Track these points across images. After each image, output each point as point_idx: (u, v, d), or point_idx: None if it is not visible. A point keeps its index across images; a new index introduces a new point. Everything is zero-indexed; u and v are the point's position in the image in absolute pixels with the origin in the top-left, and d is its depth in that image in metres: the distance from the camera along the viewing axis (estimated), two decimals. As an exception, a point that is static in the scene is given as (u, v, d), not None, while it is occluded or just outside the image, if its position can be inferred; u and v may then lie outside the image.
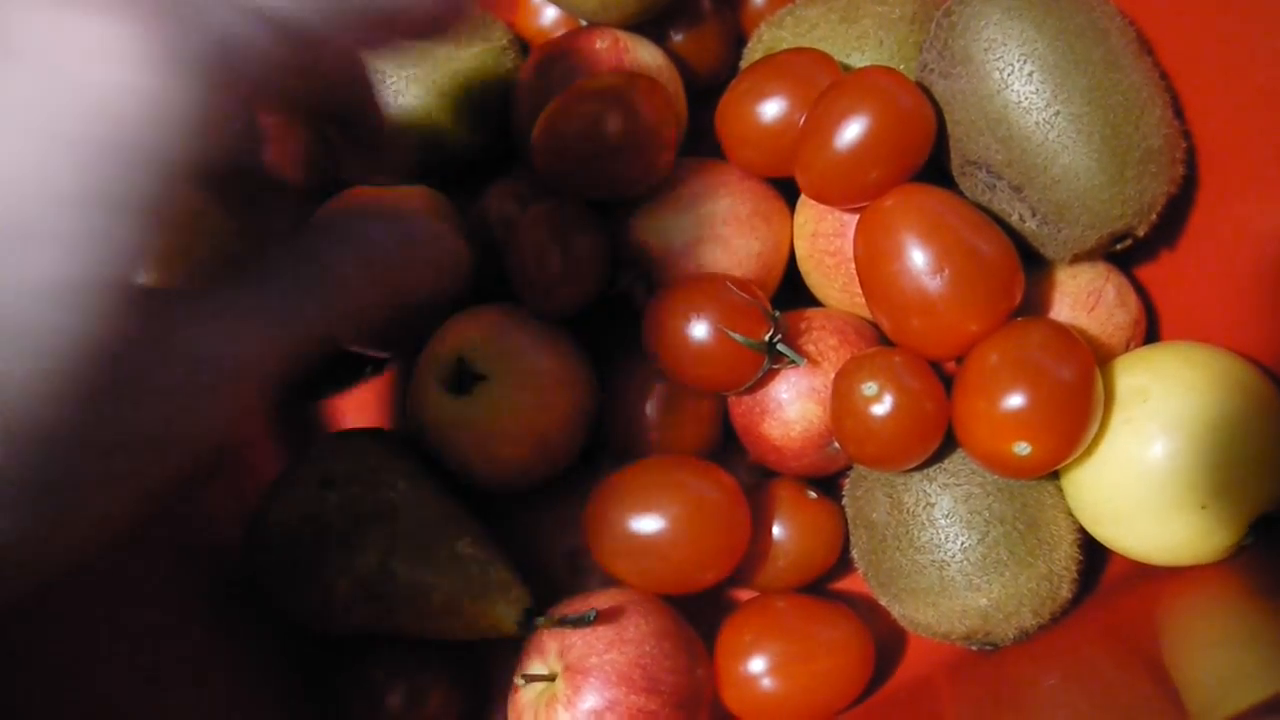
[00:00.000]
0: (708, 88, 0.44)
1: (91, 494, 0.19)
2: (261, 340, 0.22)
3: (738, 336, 0.37)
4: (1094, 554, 0.38)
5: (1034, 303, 0.39)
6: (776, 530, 0.40)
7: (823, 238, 0.40)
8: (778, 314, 0.38)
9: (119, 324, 0.18)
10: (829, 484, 0.43)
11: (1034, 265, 0.38)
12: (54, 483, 0.18)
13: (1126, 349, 0.38)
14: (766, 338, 0.37)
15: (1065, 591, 0.36)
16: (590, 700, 0.35)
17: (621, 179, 0.40)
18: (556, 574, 0.44)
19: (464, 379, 0.40)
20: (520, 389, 0.39)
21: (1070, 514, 0.37)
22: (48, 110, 0.17)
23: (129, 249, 0.18)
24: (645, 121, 0.38)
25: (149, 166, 0.18)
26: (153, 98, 0.18)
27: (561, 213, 0.40)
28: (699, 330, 0.37)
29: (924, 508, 0.36)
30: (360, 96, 0.28)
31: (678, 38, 0.46)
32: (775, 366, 0.38)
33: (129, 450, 0.20)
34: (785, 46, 0.42)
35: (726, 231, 0.41)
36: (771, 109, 0.39)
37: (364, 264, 0.25)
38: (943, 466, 0.37)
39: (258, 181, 0.29)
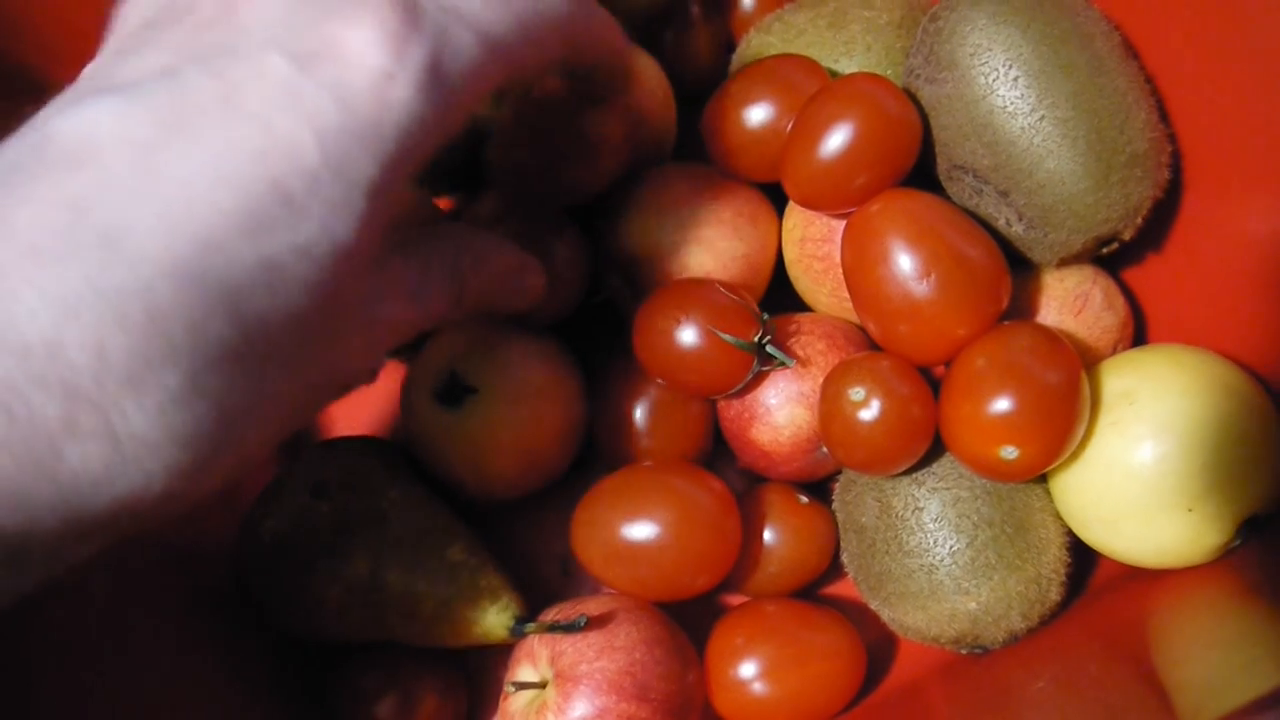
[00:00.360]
0: (697, 93, 0.44)
1: (274, 414, 0.23)
2: (409, 308, 0.27)
3: (727, 337, 0.37)
4: (1082, 557, 0.38)
5: (1021, 306, 0.39)
6: (767, 535, 0.40)
7: (811, 243, 0.41)
8: (766, 316, 0.38)
9: (349, 283, 0.23)
10: (819, 488, 0.43)
11: (1021, 269, 0.38)
12: (255, 401, 0.22)
13: (1113, 352, 0.39)
14: (755, 339, 0.37)
15: (1054, 594, 0.36)
16: (581, 708, 0.35)
17: (572, 184, 0.40)
18: (547, 580, 0.44)
19: (455, 391, 0.40)
20: (511, 403, 0.40)
21: (1058, 517, 0.37)
22: (316, 103, 0.21)
23: (368, 223, 0.22)
24: (592, 128, 0.38)
25: (386, 157, 0.22)
26: (398, 102, 0.22)
27: (539, 219, 0.40)
28: (687, 333, 0.37)
29: (913, 512, 0.36)
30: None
31: (667, 43, 0.46)
32: (764, 368, 0.38)
33: (315, 384, 0.24)
34: (773, 52, 0.42)
35: (710, 234, 0.41)
36: (758, 114, 0.39)
37: (480, 267, 0.30)
38: (931, 470, 0.37)
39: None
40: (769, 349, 0.38)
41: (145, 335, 0.19)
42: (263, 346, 0.21)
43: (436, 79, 0.23)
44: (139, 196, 0.20)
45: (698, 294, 0.38)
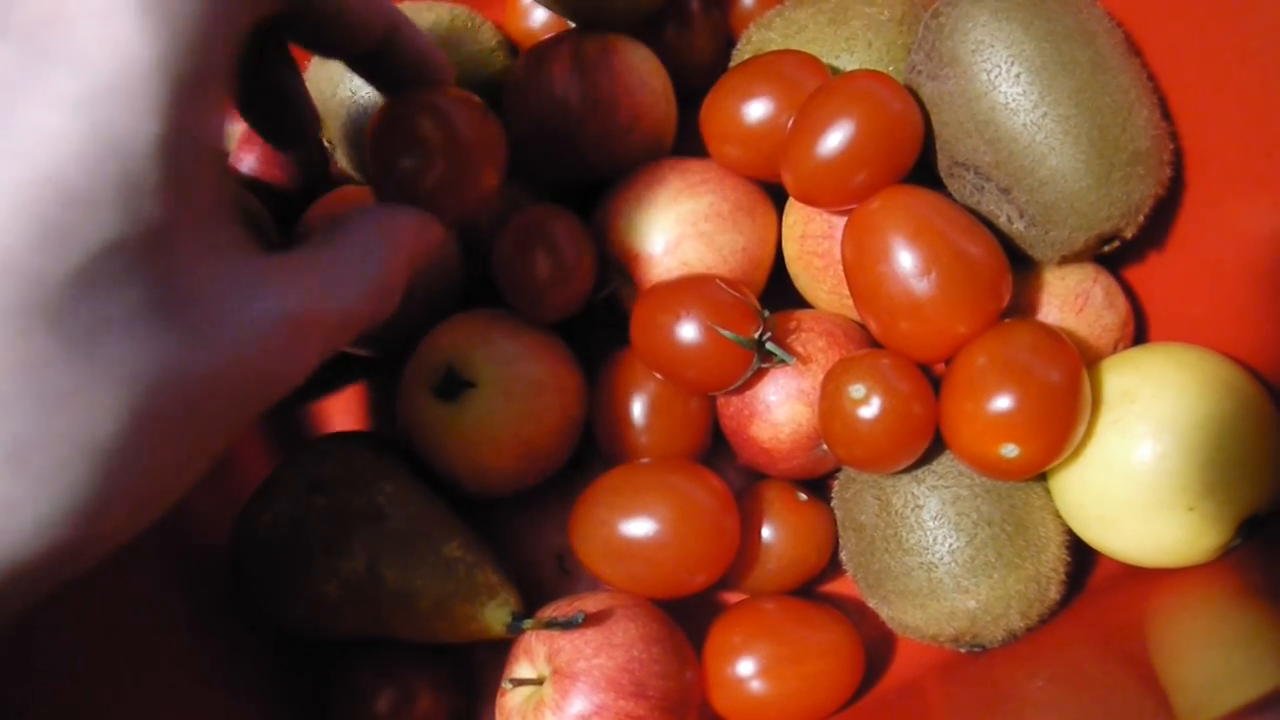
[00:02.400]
0: (697, 89, 0.44)
1: (162, 432, 0.20)
2: (323, 300, 0.24)
3: (727, 333, 0.36)
4: (1082, 556, 0.38)
5: (1022, 304, 0.39)
6: (766, 533, 0.40)
7: (811, 239, 0.40)
8: (766, 312, 0.38)
9: (194, 263, 0.20)
10: (819, 485, 0.43)
11: (1022, 266, 0.38)
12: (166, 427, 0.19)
13: (1114, 350, 0.38)
14: (755, 335, 0.37)
15: (1053, 593, 0.36)
16: (578, 705, 0.35)
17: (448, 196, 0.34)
18: (545, 577, 0.44)
19: (452, 385, 0.39)
20: (508, 397, 0.39)
21: (1058, 516, 0.37)
22: (42, 80, 0.18)
23: (177, 185, 0.19)
24: (462, 138, 0.33)
25: (165, 103, 0.19)
26: (122, 42, 0.19)
27: (549, 217, 0.40)
28: (687, 329, 0.37)
29: (912, 510, 0.36)
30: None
31: (667, 39, 0.46)
32: (764, 365, 0.38)
33: (226, 394, 0.21)
34: (774, 48, 0.42)
35: (709, 228, 0.40)
36: (757, 110, 0.39)
37: (393, 243, 0.28)
38: (931, 468, 0.37)
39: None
40: (769, 346, 0.38)
41: None
42: (111, 366, 0.18)
43: (158, 6, 0.19)
44: None
45: (698, 289, 0.38)
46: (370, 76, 0.33)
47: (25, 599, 0.19)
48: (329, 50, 0.30)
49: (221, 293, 0.21)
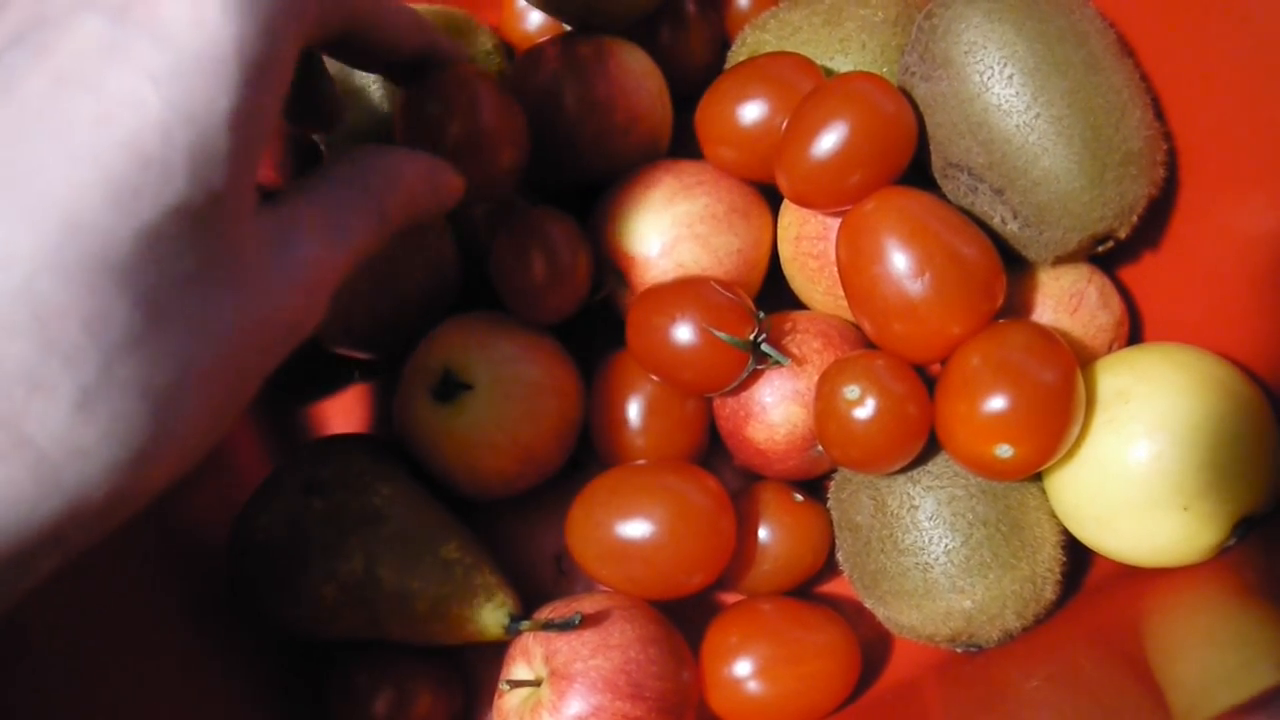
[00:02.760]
0: (692, 91, 0.44)
1: (210, 385, 0.21)
2: (330, 247, 0.25)
3: (722, 335, 0.37)
4: (1077, 555, 0.38)
5: (1016, 305, 0.39)
6: (763, 533, 0.40)
7: (806, 240, 0.41)
8: (762, 314, 0.38)
9: (240, 227, 0.22)
10: (815, 486, 0.43)
11: (1016, 267, 0.38)
12: (181, 378, 0.20)
13: (1109, 350, 0.39)
14: (750, 337, 0.37)
15: (1049, 593, 0.36)
16: (575, 706, 0.35)
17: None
18: (542, 578, 0.44)
19: (450, 388, 0.39)
20: (506, 400, 0.39)
21: (1053, 516, 0.37)
22: (140, 50, 0.20)
23: (237, 159, 0.21)
24: (482, 123, 0.36)
25: (230, 83, 0.21)
26: (214, 24, 0.21)
27: (545, 220, 0.40)
28: (682, 331, 0.37)
29: (908, 510, 0.36)
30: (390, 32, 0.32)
31: (663, 41, 0.46)
32: (760, 366, 0.38)
33: (246, 344, 0.22)
34: (769, 49, 0.42)
35: (704, 230, 0.41)
36: (751, 112, 0.39)
37: (394, 184, 0.29)
38: (926, 469, 0.37)
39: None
40: (764, 348, 0.38)
41: (38, 337, 0.18)
42: (170, 319, 0.20)
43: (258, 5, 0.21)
44: None
45: (693, 292, 0.38)
46: (389, 75, 0.35)
47: (83, 542, 0.20)
48: (364, 66, 0.33)
49: (259, 249, 0.23)
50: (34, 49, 0.20)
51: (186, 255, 0.20)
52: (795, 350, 0.39)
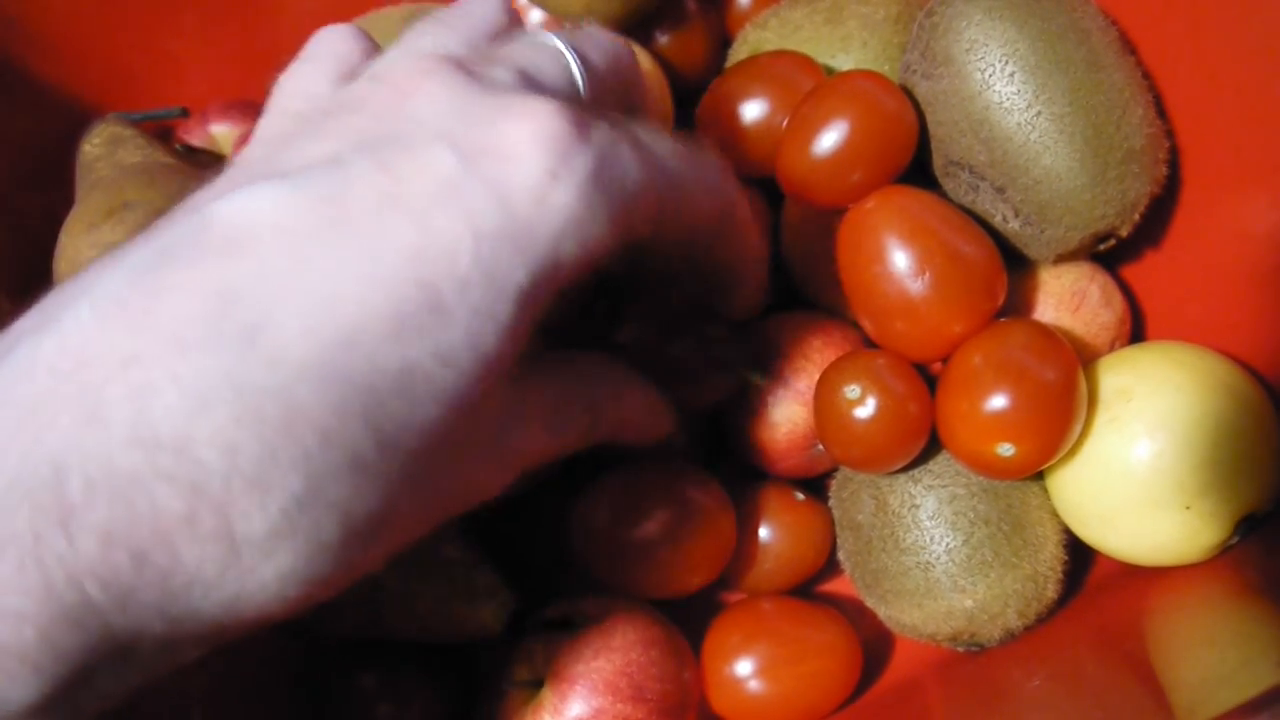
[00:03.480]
0: (693, 90, 0.44)
1: (396, 527, 0.22)
2: (543, 436, 0.26)
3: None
4: (1079, 554, 0.37)
5: (1018, 303, 0.39)
6: (763, 533, 0.40)
7: (806, 239, 0.40)
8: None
9: (485, 394, 0.22)
10: (815, 485, 0.43)
11: (1018, 266, 0.38)
12: (378, 513, 0.20)
13: (1111, 349, 0.38)
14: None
15: (1050, 592, 0.36)
16: (576, 708, 0.35)
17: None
18: (543, 579, 0.44)
19: None
20: None
21: (1055, 515, 0.37)
22: (477, 201, 0.20)
23: (511, 333, 0.21)
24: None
25: (538, 264, 0.21)
26: (557, 207, 0.21)
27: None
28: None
29: (909, 509, 0.36)
30: (726, 260, 0.32)
31: (663, 40, 0.46)
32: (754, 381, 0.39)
33: (441, 502, 0.23)
34: (770, 48, 0.42)
35: None
36: (753, 110, 0.39)
37: (616, 402, 0.30)
38: (928, 468, 0.37)
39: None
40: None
41: (277, 437, 0.18)
42: (394, 457, 0.20)
43: (598, 188, 0.22)
44: (287, 290, 0.19)
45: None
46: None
47: (195, 654, 0.21)
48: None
49: (490, 423, 0.23)
50: (377, 162, 0.20)
51: (430, 405, 0.20)
52: (795, 349, 0.39)
